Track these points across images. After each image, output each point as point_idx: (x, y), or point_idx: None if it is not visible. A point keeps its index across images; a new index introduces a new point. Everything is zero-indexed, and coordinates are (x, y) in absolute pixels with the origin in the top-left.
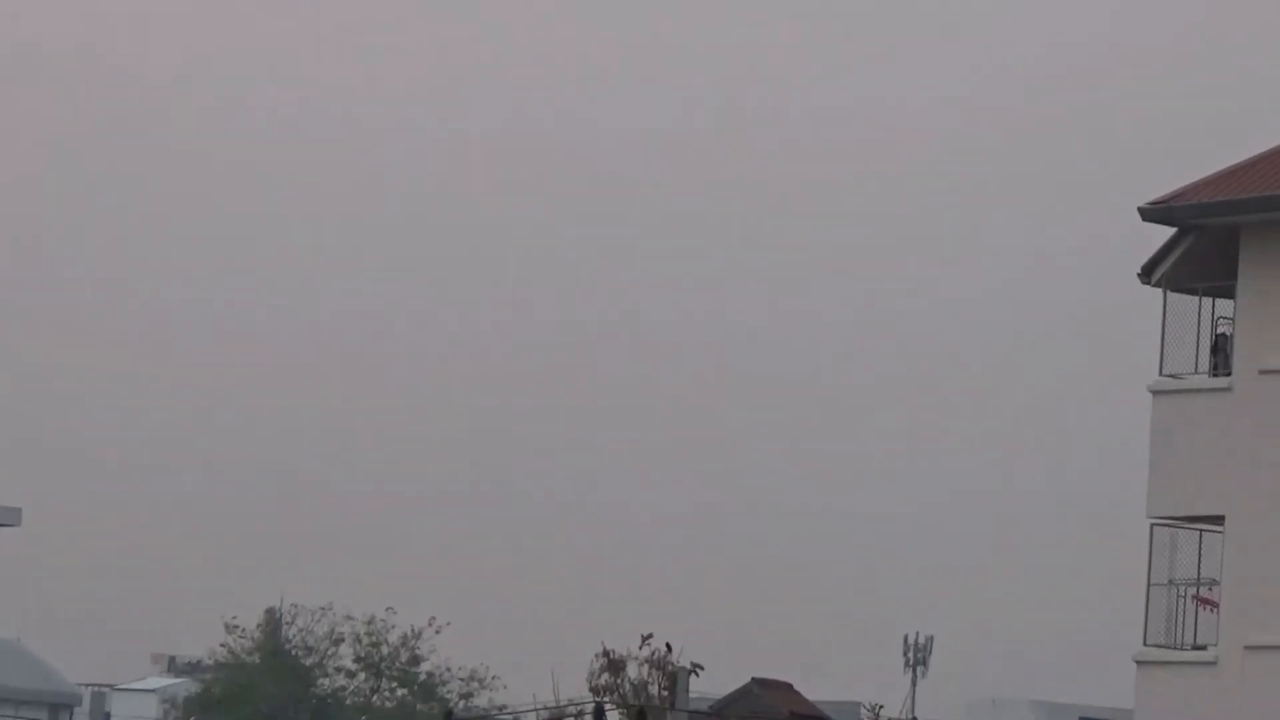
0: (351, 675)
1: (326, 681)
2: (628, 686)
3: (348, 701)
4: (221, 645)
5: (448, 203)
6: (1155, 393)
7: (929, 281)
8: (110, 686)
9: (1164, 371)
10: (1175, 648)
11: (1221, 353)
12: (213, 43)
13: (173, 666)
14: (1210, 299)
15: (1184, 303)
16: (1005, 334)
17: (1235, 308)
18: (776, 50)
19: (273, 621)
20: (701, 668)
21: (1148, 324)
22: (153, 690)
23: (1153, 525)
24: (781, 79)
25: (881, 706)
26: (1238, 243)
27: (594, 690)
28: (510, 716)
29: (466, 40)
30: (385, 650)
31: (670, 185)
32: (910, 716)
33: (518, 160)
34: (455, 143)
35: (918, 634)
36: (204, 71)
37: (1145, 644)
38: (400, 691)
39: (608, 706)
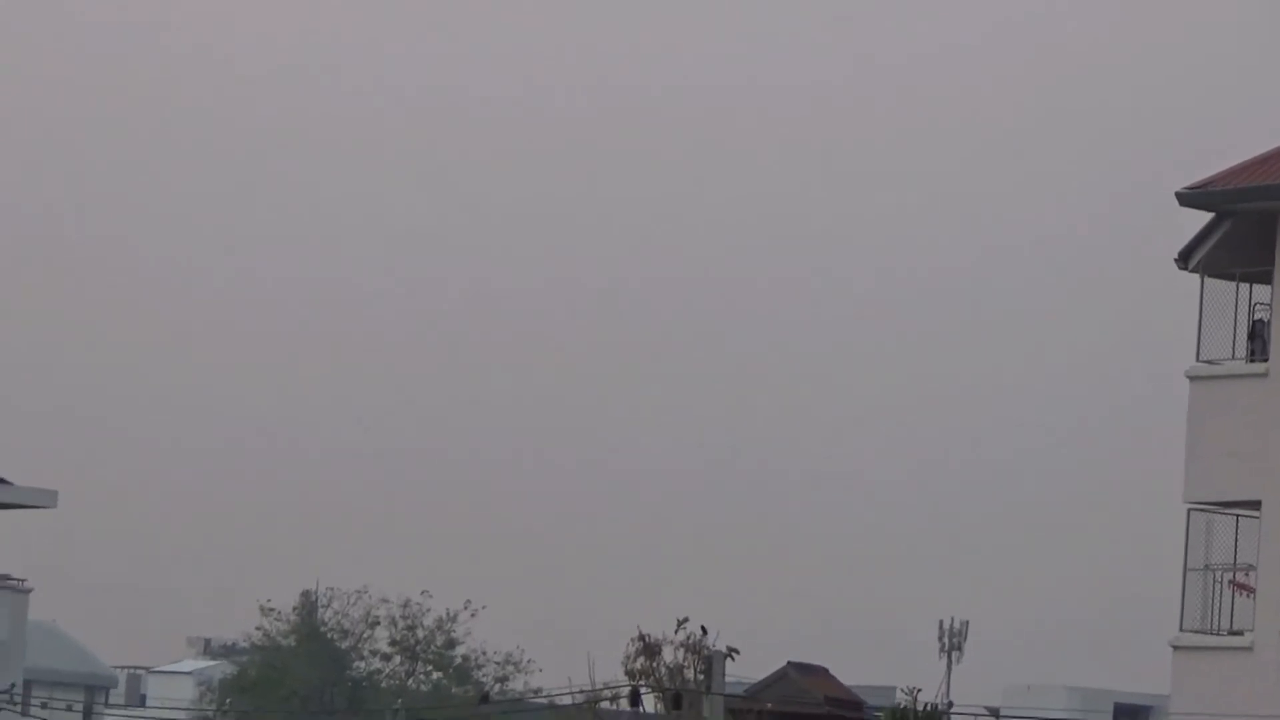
0: (387, 658)
1: (362, 664)
2: (663, 670)
3: (383, 684)
4: (257, 628)
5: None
6: (1192, 378)
7: (963, 265)
8: (146, 669)
9: (1201, 357)
10: (1211, 633)
11: (1259, 338)
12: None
13: (208, 649)
14: (1248, 284)
15: (1221, 288)
16: (1040, 320)
17: (1272, 293)
18: (802, 20)
19: (308, 604)
20: (737, 652)
21: (1185, 310)
22: (188, 673)
23: (1189, 510)
24: (817, 50)
25: (919, 689)
26: (1275, 227)
27: (629, 674)
28: (545, 700)
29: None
30: (421, 633)
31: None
32: (946, 701)
33: (517, 132)
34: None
35: (953, 619)
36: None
37: (1181, 629)
38: (435, 675)
39: (643, 690)
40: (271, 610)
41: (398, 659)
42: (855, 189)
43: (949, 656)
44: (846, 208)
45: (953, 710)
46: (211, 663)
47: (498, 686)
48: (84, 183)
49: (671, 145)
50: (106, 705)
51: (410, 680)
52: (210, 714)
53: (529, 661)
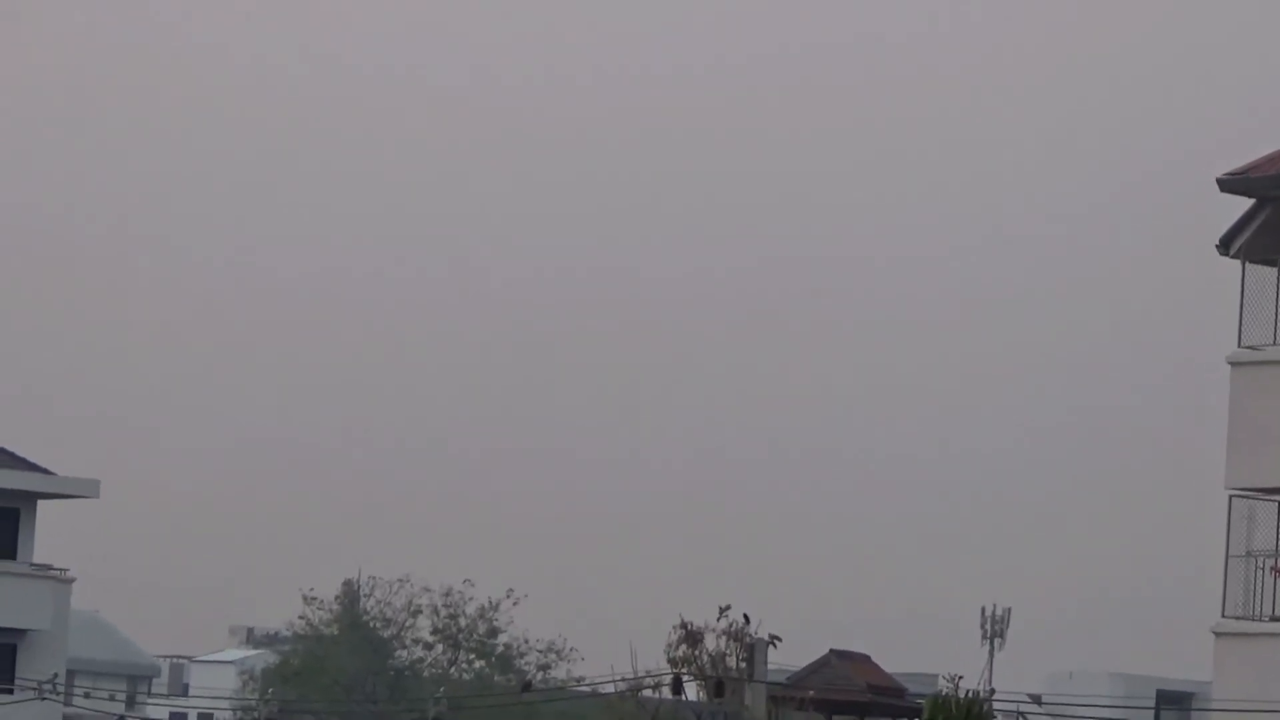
0: (429, 647)
1: (404, 653)
2: (705, 658)
3: (425, 673)
4: (300, 617)
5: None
6: (1234, 364)
7: (1003, 250)
8: (188, 658)
9: (1242, 343)
10: (1253, 619)
11: None
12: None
13: (251, 638)
14: None
15: (1262, 274)
16: (1083, 305)
17: None
18: None
19: (350, 593)
20: (779, 639)
21: (1226, 296)
22: (231, 662)
23: (1231, 496)
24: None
25: (961, 677)
26: None
27: (672, 662)
28: (588, 688)
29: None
30: (463, 622)
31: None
32: (988, 688)
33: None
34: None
35: (995, 606)
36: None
37: (1223, 615)
38: (478, 663)
39: (685, 678)
40: (314, 599)
41: (440, 648)
42: (884, 171)
43: (991, 643)
44: (876, 187)
45: (995, 697)
46: (254, 652)
47: (540, 675)
48: (122, 190)
49: (678, 132)
50: (149, 695)
51: (452, 669)
52: (253, 703)
53: (571, 650)
